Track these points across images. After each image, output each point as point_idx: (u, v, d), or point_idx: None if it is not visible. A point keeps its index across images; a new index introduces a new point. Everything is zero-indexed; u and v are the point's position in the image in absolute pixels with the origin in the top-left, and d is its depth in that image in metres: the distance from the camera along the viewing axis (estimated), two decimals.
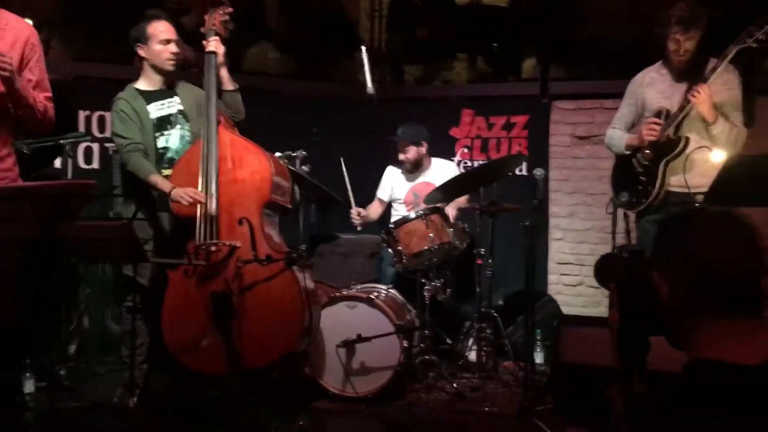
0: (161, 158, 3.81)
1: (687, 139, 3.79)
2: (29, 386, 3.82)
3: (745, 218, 1.44)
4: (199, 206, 3.57)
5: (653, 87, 3.97)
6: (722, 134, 3.75)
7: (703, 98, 3.68)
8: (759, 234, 1.43)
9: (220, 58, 3.76)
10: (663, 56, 3.93)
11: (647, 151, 3.90)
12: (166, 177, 3.73)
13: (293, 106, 5.86)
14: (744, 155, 3.74)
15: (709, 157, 3.78)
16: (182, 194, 3.58)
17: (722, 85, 3.78)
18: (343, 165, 4.74)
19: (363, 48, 5.00)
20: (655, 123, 3.82)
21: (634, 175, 3.99)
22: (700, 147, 3.79)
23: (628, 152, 4.02)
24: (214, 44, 3.76)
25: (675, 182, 3.84)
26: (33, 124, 3.17)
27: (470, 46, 6.60)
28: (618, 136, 4.08)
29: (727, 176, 3.47)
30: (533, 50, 6.13)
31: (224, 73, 3.79)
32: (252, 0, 6.23)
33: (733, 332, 1.38)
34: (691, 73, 3.81)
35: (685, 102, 3.76)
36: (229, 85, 3.81)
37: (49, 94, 3.23)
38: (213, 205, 3.59)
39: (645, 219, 3.99)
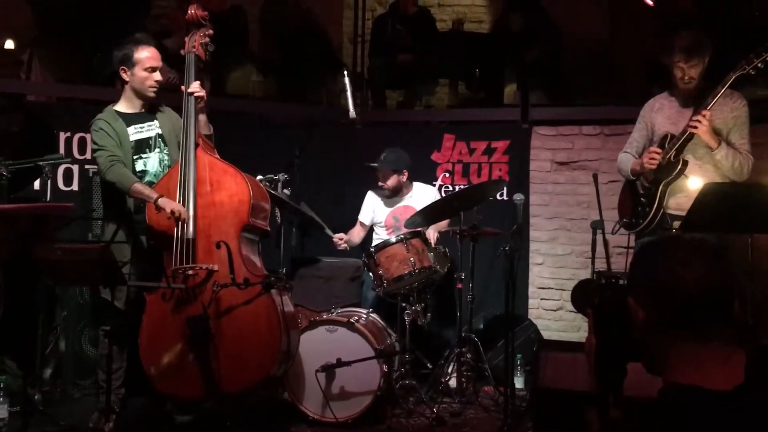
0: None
1: (685, 163, 3.85)
2: (2, 411, 3.76)
3: (718, 244, 1.46)
4: (176, 228, 3.56)
5: (662, 113, 4.05)
6: (725, 160, 3.78)
7: (703, 127, 3.73)
8: (732, 260, 1.44)
9: (201, 103, 3.76)
10: (671, 83, 3.99)
11: (649, 174, 3.96)
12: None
13: (275, 129, 5.87)
14: (719, 183, 3.79)
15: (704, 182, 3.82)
16: (169, 203, 3.56)
17: (729, 112, 3.85)
18: (305, 207, 4.73)
19: (345, 72, 5.03)
20: (656, 152, 3.88)
21: (637, 197, 4.05)
22: (697, 171, 3.83)
23: (633, 177, 4.08)
24: (197, 86, 3.75)
25: (673, 204, 3.89)
26: None
27: (452, 71, 6.67)
28: (626, 160, 4.15)
29: (702, 203, 3.51)
30: (514, 76, 6.20)
31: (202, 117, 3.79)
32: (235, 23, 6.26)
33: (706, 358, 1.39)
34: (696, 99, 3.87)
35: (689, 126, 3.80)
36: (205, 129, 3.81)
37: None
38: (190, 229, 3.58)
39: (641, 240, 4.04)
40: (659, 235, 3.85)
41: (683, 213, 3.77)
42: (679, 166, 3.84)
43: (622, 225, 4.18)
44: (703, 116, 3.72)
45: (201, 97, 3.75)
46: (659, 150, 3.89)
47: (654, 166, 3.88)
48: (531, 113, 5.64)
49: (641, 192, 4.03)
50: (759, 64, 3.65)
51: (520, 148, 5.59)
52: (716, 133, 3.79)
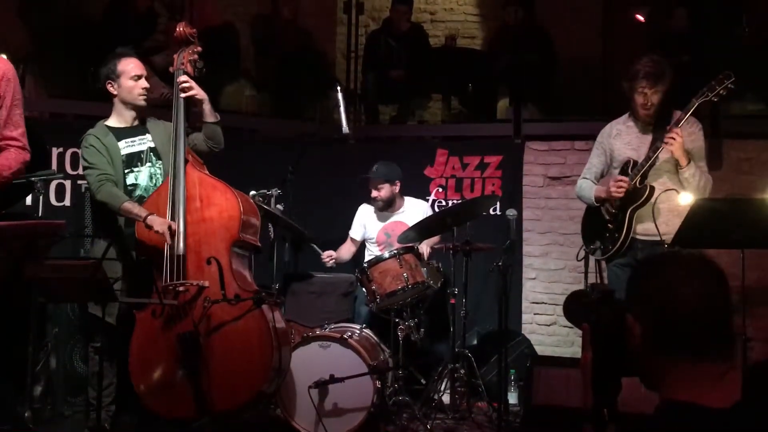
0: (129, 195, 3.76)
1: (652, 188, 3.90)
2: None
3: (716, 260, 1.46)
4: (166, 245, 3.53)
5: (620, 138, 4.08)
6: (693, 178, 3.85)
7: (677, 143, 3.77)
8: (728, 275, 1.44)
9: (201, 94, 3.77)
10: (630, 109, 4.03)
11: (615, 200, 3.98)
12: None
13: (268, 144, 5.86)
14: (710, 198, 3.81)
15: (672, 207, 3.88)
16: (158, 221, 3.54)
17: (687, 136, 3.88)
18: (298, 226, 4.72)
19: (339, 88, 5.03)
20: (623, 180, 3.90)
21: (603, 223, 4.08)
22: (666, 190, 3.88)
23: (597, 204, 4.09)
24: (188, 85, 3.76)
25: (640, 230, 3.94)
26: None
27: (445, 86, 6.69)
28: (588, 187, 4.17)
29: (694, 219, 3.52)
30: (507, 91, 6.22)
31: (206, 107, 3.81)
32: (229, 39, 6.27)
33: (704, 375, 1.38)
34: (656, 125, 3.93)
35: (652, 152, 3.86)
36: (210, 117, 3.83)
37: (21, 130, 3.21)
38: (180, 245, 3.56)
39: (613, 263, 4.07)
40: (659, 251, 3.87)
41: (651, 237, 3.83)
42: (647, 192, 3.89)
43: (589, 252, 4.21)
44: (677, 133, 3.76)
45: (189, 92, 3.74)
46: (625, 178, 3.92)
47: (621, 195, 3.91)
48: (524, 128, 5.65)
49: (607, 218, 4.06)
50: (721, 91, 3.73)
51: (512, 163, 5.60)
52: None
